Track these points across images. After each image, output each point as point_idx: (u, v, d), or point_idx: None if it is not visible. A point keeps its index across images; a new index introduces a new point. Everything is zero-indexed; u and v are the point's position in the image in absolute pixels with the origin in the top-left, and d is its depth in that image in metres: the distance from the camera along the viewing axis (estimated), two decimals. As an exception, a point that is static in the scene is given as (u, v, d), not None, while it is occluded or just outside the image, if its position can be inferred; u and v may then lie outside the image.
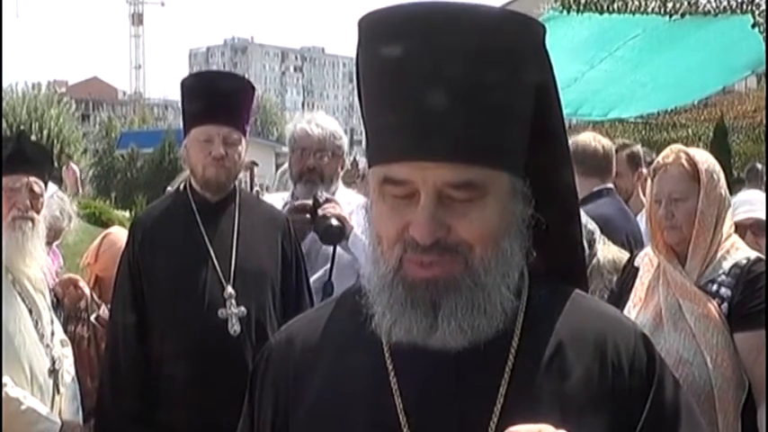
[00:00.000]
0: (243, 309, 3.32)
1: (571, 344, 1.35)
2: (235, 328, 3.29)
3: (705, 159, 3.07)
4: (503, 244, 1.31)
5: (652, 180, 3.14)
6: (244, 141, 3.45)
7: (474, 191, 1.27)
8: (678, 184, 3.02)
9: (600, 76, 8.63)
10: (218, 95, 3.37)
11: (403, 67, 1.27)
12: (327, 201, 3.73)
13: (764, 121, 12.03)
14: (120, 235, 4.19)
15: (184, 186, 3.50)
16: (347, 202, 3.81)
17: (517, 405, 1.29)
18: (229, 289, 3.32)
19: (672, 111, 12.70)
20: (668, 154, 3.09)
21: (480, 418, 1.30)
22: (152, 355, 3.31)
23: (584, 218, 3.57)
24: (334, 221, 3.65)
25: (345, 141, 3.97)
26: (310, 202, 3.74)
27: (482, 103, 1.27)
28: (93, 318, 3.73)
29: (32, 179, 3.33)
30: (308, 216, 3.71)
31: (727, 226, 3.06)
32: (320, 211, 3.69)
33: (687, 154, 3.07)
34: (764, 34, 8.01)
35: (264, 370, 1.46)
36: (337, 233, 3.64)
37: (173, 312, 3.29)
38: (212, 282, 3.33)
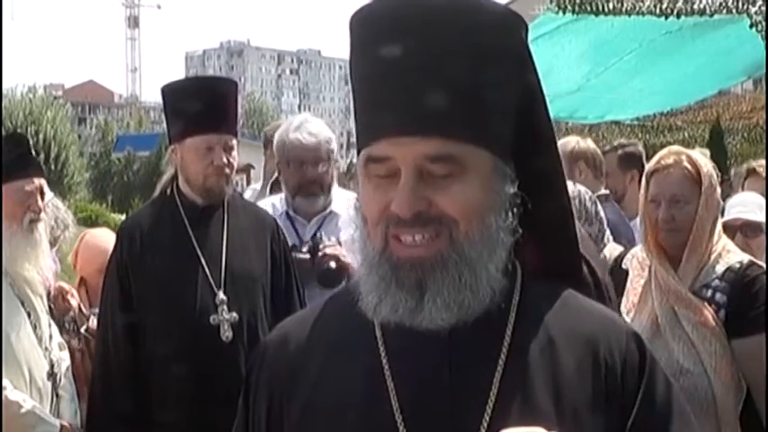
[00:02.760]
0: (235, 314, 3.30)
1: (563, 339, 1.35)
2: (227, 334, 3.27)
3: (705, 163, 3.05)
4: (487, 219, 1.32)
5: (647, 181, 3.11)
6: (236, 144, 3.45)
7: (453, 165, 1.29)
8: (680, 187, 3.00)
9: (597, 85, 8.66)
10: (214, 102, 3.35)
11: (383, 55, 1.30)
12: (328, 246, 3.64)
13: (761, 123, 12.05)
14: (98, 236, 4.21)
15: (171, 190, 3.47)
16: (347, 199, 3.72)
17: (511, 396, 1.30)
18: (221, 295, 3.30)
19: (667, 113, 12.70)
20: (667, 155, 3.06)
21: (474, 410, 1.30)
22: (144, 360, 3.29)
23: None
24: (333, 264, 3.56)
25: (335, 141, 3.92)
26: (310, 242, 3.68)
27: (461, 81, 1.29)
28: (83, 329, 3.69)
29: (42, 180, 3.38)
30: (308, 257, 3.65)
31: (718, 229, 3.06)
32: (320, 253, 3.61)
33: (689, 156, 3.04)
34: (762, 33, 7.99)
35: (259, 369, 1.47)
36: (334, 276, 3.54)
37: (164, 318, 3.28)
38: (203, 287, 3.31)
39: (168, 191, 3.48)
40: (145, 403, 3.27)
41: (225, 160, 3.33)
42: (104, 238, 4.15)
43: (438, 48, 1.29)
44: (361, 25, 1.36)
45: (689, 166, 3.01)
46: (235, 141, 3.40)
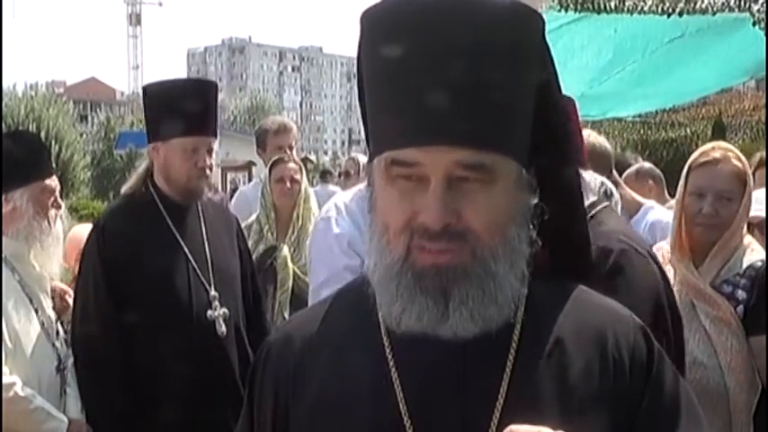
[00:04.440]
0: (225, 310, 3.38)
1: (572, 338, 1.34)
2: (222, 329, 3.35)
3: (747, 162, 3.04)
4: (509, 233, 1.30)
5: (689, 172, 3.05)
6: None
7: (485, 174, 1.26)
8: (729, 183, 2.97)
9: (600, 92, 8.67)
10: (202, 105, 3.39)
11: (409, 60, 1.26)
12: None
13: (763, 119, 12.03)
14: (80, 232, 4.23)
15: (145, 187, 3.48)
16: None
17: (519, 400, 1.28)
18: (213, 291, 3.38)
19: (670, 109, 12.70)
20: (713, 149, 3.03)
21: (482, 413, 1.29)
22: (140, 359, 3.28)
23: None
24: None
25: None
26: None
27: (488, 85, 1.26)
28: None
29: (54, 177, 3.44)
30: None
31: (744, 227, 3.05)
32: None
33: (737, 154, 3.01)
34: (765, 31, 7.96)
35: (264, 368, 1.45)
36: None
37: (162, 316, 3.29)
38: (196, 285, 3.37)
39: (143, 188, 3.49)
40: (143, 401, 3.26)
41: (208, 162, 3.39)
42: (80, 231, 4.28)
43: (462, 48, 1.25)
44: (373, 23, 1.32)
45: (737, 163, 2.98)
46: (216, 143, 3.47)
